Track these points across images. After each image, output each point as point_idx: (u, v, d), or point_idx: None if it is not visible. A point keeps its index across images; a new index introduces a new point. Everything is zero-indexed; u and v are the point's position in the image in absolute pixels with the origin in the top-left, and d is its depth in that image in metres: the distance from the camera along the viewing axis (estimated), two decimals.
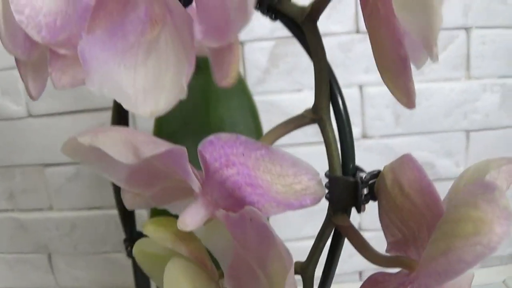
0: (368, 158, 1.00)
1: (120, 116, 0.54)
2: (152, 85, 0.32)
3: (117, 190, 0.53)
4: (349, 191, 0.36)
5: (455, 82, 0.98)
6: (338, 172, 0.37)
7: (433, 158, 1.01)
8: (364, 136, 1.00)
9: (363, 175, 0.37)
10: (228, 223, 0.34)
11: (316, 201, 0.35)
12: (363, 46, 0.94)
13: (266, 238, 0.32)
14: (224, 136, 0.34)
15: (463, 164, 1.03)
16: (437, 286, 0.26)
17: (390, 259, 0.36)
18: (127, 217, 0.65)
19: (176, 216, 0.35)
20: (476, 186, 0.29)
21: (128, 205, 0.42)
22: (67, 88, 0.34)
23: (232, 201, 0.34)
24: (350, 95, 0.97)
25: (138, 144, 0.31)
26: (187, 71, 0.31)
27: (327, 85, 0.37)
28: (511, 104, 1.01)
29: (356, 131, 0.99)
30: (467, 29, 0.97)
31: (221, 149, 0.33)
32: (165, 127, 0.68)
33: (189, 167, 0.33)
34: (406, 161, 0.34)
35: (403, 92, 0.34)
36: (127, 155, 0.31)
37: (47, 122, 0.96)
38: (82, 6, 0.31)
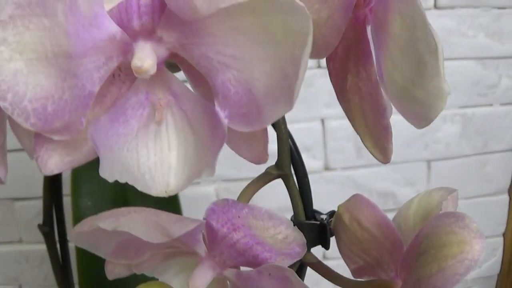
0: (331, 190, 1.02)
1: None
2: (157, 166, 0.33)
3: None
4: (317, 233, 0.41)
5: None
6: (302, 217, 0.42)
7: (395, 188, 1.03)
8: (327, 168, 1.01)
9: (323, 217, 0.43)
10: (240, 280, 0.37)
11: (303, 248, 0.38)
12: (324, 80, 0.95)
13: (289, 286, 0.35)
14: (219, 202, 0.37)
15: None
16: None
17: (368, 283, 0.42)
18: None
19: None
20: (447, 217, 0.35)
21: (110, 275, 0.43)
22: (55, 173, 0.34)
23: (242, 260, 0.37)
24: (312, 128, 0.98)
25: (164, 223, 0.33)
26: (203, 150, 0.33)
27: (288, 149, 0.41)
28: (472, 133, 1.03)
29: (318, 163, 1.01)
30: None
31: (223, 215, 0.36)
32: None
33: (200, 236, 0.36)
34: (359, 200, 0.42)
35: (382, 151, 0.38)
36: (155, 235, 0.32)
37: (16, 157, 0.97)
38: (86, 94, 0.31)
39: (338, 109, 0.38)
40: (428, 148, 1.03)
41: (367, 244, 0.41)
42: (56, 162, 0.34)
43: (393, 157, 0.96)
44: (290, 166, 0.42)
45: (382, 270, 0.42)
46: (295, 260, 0.38)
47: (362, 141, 0.39)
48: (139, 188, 0.33)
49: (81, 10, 0.29)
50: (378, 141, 0.38)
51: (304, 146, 0.99)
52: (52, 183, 0.51)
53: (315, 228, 0.41)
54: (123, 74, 0.33)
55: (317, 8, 0.34)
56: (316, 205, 0.45)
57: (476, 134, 1.05)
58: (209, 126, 0.32)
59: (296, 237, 0.38)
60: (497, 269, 1.18)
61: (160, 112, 0.32)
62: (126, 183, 0.34)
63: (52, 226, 0.50)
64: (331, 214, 0.44)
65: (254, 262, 0.37)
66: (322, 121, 0.98)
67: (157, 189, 0.33)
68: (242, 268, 0.39)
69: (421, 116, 0.32)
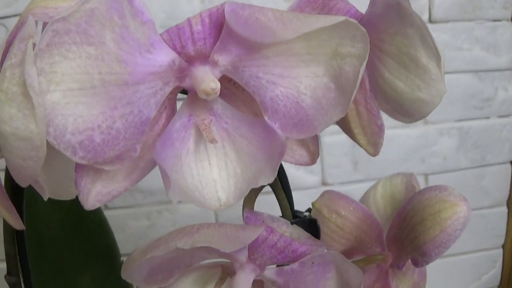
0: None
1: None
2: (202, 183, 0.35)
3: None
4: (310, 227, 0.45)
5: (412, 128, 1.00)
6: (290, 217, 0.46)
7: None
8: (324, 183, 1.02)
9: (306, 214, 0.49)
10: (281, 275, 0.40)
11: (313, 239, 0.42)
12: None
13: (329, 270, 0.41)
14: (248, 211, 0.41)
15: None
16: (438, 256, 0.42)
17: (362, 260, 0.49)
18: None
19: None
20: (431, 190, 0.44)
21: None
22: (97, 207, 0.34)
23: (281, 257, 0.40)
24: None
25: (235, 233, 0.36)
26: (252, 161, 0.34)
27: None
28: (469, 146, 1.04)
29: (316, 179, 1.02)
30: None
31: (257, 221, 0.40)
32: None
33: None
34: (332, 194, 0.51)
35: (374, 147, 0.42)
36: (230, 244, 0.35)
37: None
38: (143, 120, 0.31)
39: (334, 125, 0.41)
40: (425, 162, 1.03)
41: (348, 229, 0.50)
42: (97, 195, 0.34)
43: (391, 171, 0.96)
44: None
45: (367, 248, 0.49)
46: (324, 249, 0.42)
47: (357, 140, 0.42)
48: (197, 205, 0.34)
49: (135, 37, 0.29)
50: (371, 139, 0.42)
51: None
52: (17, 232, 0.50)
53: (306, 223, 0.45)
54: (167, 99, 0.33)
55: None
56: None
57: (473, 147, 1.05)
58: (258, 138, 0.34)
59: (300, 233, 0.42)
60: (497, 281, 1.20)
61: (208, 132, 0.33)
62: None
63: (19, 275, 0.49)
64: (309, 211, 0.51)
65: (293, 256, 0.40)
66: (319, 136, 0.97)
67: (211, 205, 0.34)
68: None
69: (419, 112, 0.37)
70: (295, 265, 0.39)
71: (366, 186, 1.01)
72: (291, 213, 0.46)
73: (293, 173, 0.99)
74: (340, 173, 1.03)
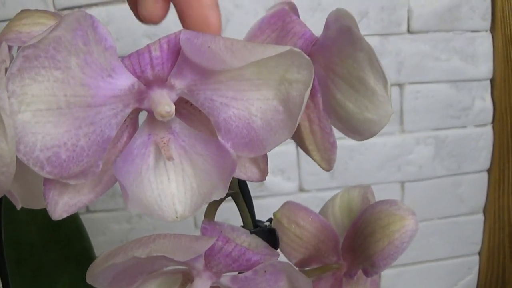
0: None
1: None
2: (161, 196, 0.37)
3: None
4: (266, 237, 0.47)
5: (389, 137, 1.02)
6: (251, 227, 0.49)
7: None
8: (301, 189, 1.04)
9: (266, 224, 0.52)
10: (236, 282, 0.42)
11: (269, 249, 0.45)
12: None
13: (281, 279, 0.43)
14: (205, 221, 0.43)
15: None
16: (386, 267, 0.44)
17: (318, 269, 0.52)
18: None
19: None
20: (382, 204, 0.47)
21: None
22: (63, 217, 0.36)
23: (235, 266, 0.42)
24: (287, 152, 1.02)
25: (189, 243, 0.38)
26: (207, 177, 0.37)
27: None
28: (445, 155, 1.06)
29: (293, 185, 1.03)
30: (400, 85, 1.00)
31: (214, 232, 0.42)
32: None
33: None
34: (292, 205, 0.54)
35: (328, 162, 0.44)
36: (185, 254, 0.37)
37: None
38: (104, 139, 0.33)
39: None
40: (401, 170, 1.05)
41: (306, 239, 0.53)
42: (63, 206, 0.36)
43: (367, 179, 0.98)
44: (238, 185, 0.48)
45: (324, 257, 0.52)
46: (277, 259, 0.44)
47: (311, 156, 0.45)
48: (155, 217, 0.37)
49: (98, 63, 0.31)
50: (325, 155, 0.44)
51: (279, 168, 1.01)
52: None
53: (266, 233, 0.47)
54: (128, 119, 0.36)
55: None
56: None
57: (449, 156, 1.08)
58: (212, 156, 0.36)
59: (258, 242, 0.45)
60: (473, 287, 1.19)
61: (166, 149, 0.35)
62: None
63: None
64: (270, 220, 0.54)
65: (247, 265, 0.42)
66: (296, 144, 0.99)
67: (169, 217, 0.37)
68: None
69: (367, 131, 0.39)
70: (248, 273, 0.42)
71: None
72: (252, 223, 0.49)
73: (271, 179, 1.02)
74: (317, 180, 1.05)
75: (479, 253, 1.20)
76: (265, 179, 0.39)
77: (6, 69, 0.30)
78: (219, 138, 0.36)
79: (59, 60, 0.30)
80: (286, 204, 0.54)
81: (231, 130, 0.35)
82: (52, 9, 0.90)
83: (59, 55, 0.30)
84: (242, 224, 0.49)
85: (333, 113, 0.41)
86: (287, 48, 0.32)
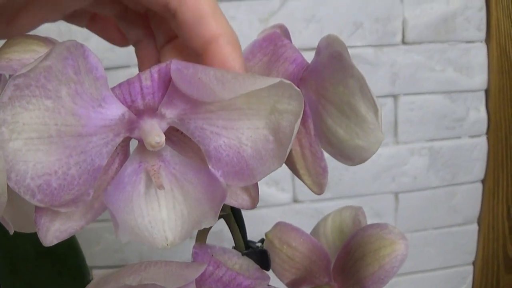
0: (300, 221, 1.02)
1: None
2: (151, 223, 0.37)
3: None
4: (258, 258, 0.48)
5: (383, 148, 1.03)
6: (243, 248, 0.49)
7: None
8: (295, 200, 1.04)
9: (258, 244, 0.53)
10: None
11: (261, 271, 0.46)
12: None
13: None
14: (197, 246, 0.43)
15: (392, 223, 1.06)
16: None
17: None
18: None
19: None
20: (373, 228, 0.47)
21: None
22: (54, 243, 0.36)
23: None
24: None
25: (179, 271, 0.38)
26: (197, 204, 0.37)
27: None
28: (439, 165, 1.06)
29: (287, 196, 1.04)
30: (394, 96, 1.00)
31: (204, 256, 0.42)
32: None
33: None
34: (284, 226, 0.54)
35: (319, 186, 0.44)
36: (175, 282, 0.36)
37: None
38: (95, 168, 0.33)
39: None
40: (395, 181, 1.05)
41: (298, 260, 0.53)
42: (55, 232, 0.36)
43: (361, 190, 0.98)
44: (229, 207, 0.49)
45: (315, 278, 0.52)
46: (268, 282, 0.44)
47: (303, 180, 0.45)
48: (145, 243, 0.37)
49: (89, 93, 0.31)
50: (316, 179, 0.44)
51: (273, 180, 1.01)
52: None
53: (257, 254, 0.49)
54: (119, 147, 0.36)
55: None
56: None
57: (444, 167, 1.08)
58: (203, 184, 0.36)
59: (249, 264, 0.45)
60: None
61: (157, 177, 0.35)
62: None
63: None
64: (262, 241, 0.55)
65: None
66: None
67: (159, 244, 0.37)
68: None
69: (358, 157, 0.39)
70: None
71: (336, 204, 1.04)
72: (244, 244, 0.49)
73: (265, 190, 1.01)
74: (311, 191, 1.03)
75: (473, 263, 1.20)
76: (255, 207, 0.39)
77: None
78: (210, 166, 0.36)
79: (50, 90, 0.30)
80: (278, 224, 0.55)
81: (222, 159, 0.36)
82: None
83: (50, 84, 0.30)
84: (234, 245, 0.50)
85: (324, 138, 0.41)
86: (277, 80, 0.32)
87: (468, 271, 1.20)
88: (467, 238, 1.17)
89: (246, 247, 0.49)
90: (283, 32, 0.44)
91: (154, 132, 0.33)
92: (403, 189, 1.08)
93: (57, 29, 0.90)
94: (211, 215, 0.36)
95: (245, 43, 0.91)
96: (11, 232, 0.39)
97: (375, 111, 0.36)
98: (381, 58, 1.00)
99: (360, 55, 0.99)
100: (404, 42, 1.01)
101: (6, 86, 0.29)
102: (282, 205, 1.04)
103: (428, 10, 1.01)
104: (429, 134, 1.06)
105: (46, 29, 0.86)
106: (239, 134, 0.35)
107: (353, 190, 1.04)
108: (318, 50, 0.40)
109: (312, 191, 0.44)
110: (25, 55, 0.35)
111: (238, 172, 0.36)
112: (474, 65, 1.05)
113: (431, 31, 1.02)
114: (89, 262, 0.81)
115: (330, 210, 1.04)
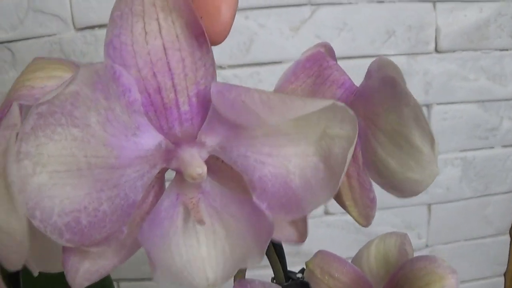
0: (331, 233, 1.01)
1: None
2: (191, 261, 0.33)
3: None
4: None
5: None
6: (283, 280, 0.48)
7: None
8: (327, 212, 1.02)
9: (299, 275, 0.51)
10: None
11: None
12: None
13: None
14: (237, 282, 0.41)
15: (424, 235, 1.05)
16: None
17: None
18: None
19: None
20: (422, 260, 0.45)
21: None
22: (85, 286, 0.33)
23: None
24: None
25: None
26: (241, 240, 0.33)
27: None
28: (472, 176, 1.03)
29: (319, 208, 0.99)
30: (428, 106, 0.98)
31: None
32: None
33: None
34: (326, 255, 0.51)
35: (366, 219, 0.42)
36: None
37: None
38: (129, 203, 0.30)
39: None
40: (428, 192, 1.02)
41: None
42: (84, 274, 0.32)
43: (394, 201, 0.96)
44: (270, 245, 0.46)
45: None
46: None
47: (348, 211, 0.42)
48: (184, 285, 0.33)
49: (121, 120, 0.28)
50: (363, 211, 0.42)
51: None
52: None
53: (298, 286, 0.48)
54: (154, 178, 0.32)
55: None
56: (317, 249, 0.52)
57: (477, 177, 1.04)
58: (246, 217, 0.32)
59: None
60: None
61: (196, 211, 0.32)
62: None
63: None
64: (302, 271, 0.52)
65: None
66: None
67: (199, 284, 0.33)
68: None
69: (410, 191, 0.36)
70: None
71: None
72: (283, 276, 0.47)
73: None
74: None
75: (505, 275, 1.16)
76: (303, 241, 0.36)
77: (17, 134, 0.27)
78: (254, 198, 0.32)
79: (77, 117, 0.27)
80: (319, 253, 0.51)
81: (267, 190, 0.32)
82: (72, 29, 0.88)
83: (77, 111, 0.27)
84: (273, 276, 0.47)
85: (373, 168, 0.38)
86: (329, 102, 0.29)
87: (499, 282, 1.17)
88: (499, 249, 1.14)
89: (286, 279, 0.47)
90: (328, 51, 0.41)
91: (195, 163, 0.30)
92: (435, 200, 1.04)
93: (83, 39, 0.88)
94: (257, 252, 0.33)
95: (275, 52, 0.89)
96: (35, 274, 0.35)
97: (432, 143, 0.33)
98: (414, 67, 0.97)
99: None
100: (437, 50, 0.98)
101: (29, 115, 0.26)
102: (314, 217, 1.01)
103: (461, 18, 0.98)
104: (462, 144, 1.03)
105: (73, 38, 0.84)
106: (286, 162, 0.32)
107: (385, 201, 1.00)
108: (369, 73, 0.37)
109: (358, 223, 0.42)
110: (49, 82, 0.31)
111: (285, 203, 0.32)
112: (508, 74, 1.02)
113: (464, 39, 0.99)
114: (115, 274, 0.79)
115: None
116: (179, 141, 0.31)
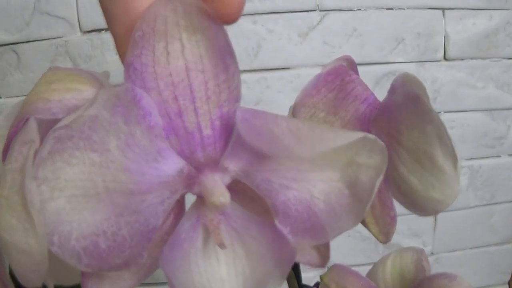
0: (338, 241, 0.98)
1: None
2: (210, 281, 0.32)
3: None
4: None
5: None
6: None
7: (400, 239, 1.02)
8: None
9: None
10: None
11: None
12: None
13: None
14: None
15: (430, 243, 1.04)
16: None
17: None
18: None
19: None
20: (441, 278, 0.45)
21: None
22: None
23: None
24: None
25: None
26: (261, 263, 0.32)
27: None
28: (478, 185, 1.03)
29: None
30: None
31: None
32: None
33: None
34: (341, 269, 0.50)
35: (386, 236, 0.41)
36: None
37: None
38: (149, 229, 0.29)
39: None
40: None
41: None
42: None
43: (400, 209, 0.95)
44: None
45: None
46: None
47: (368, 228, 0.41)
48: None
49: (141, 145, 0.27)
50: (383, 228, 0.41)
51: None
52: None
53: None
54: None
55: (326, 119, 0.39)
56: None
57: (483, 186, 1.04)
58: (267, 240, 0.31)
59: None
60: None
61: (217, 233, 0.30)
62: None
63: None
64: (317, 285, 0.52)
65: None
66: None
67: None
68: None
69: (431, 210, 0.36)
70: None
71: None
72: None
73: None
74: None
75: (509, 283, 1.15)
76: (325, 265, 0.35)
77: (36, 151, 0.26)
78: (276, 222, 0.31)
79: (96, 141, 0.26)
80: (334, 267, 0.51)
81: (290, 214, 0.31)
82: (78, 32, 0.87)
83: (96, 135, 0.26)
84: None
85: (394, 185, 0.37)
86: (360, 135, 0.28)
87: None
88: (504, 257, 1.13)
89: None
90: (350, 65, 0.40)
91: (218, 191, 0.28)
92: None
93: (89, 42, 0.87)
94: (277, 275, 0.32)
95: (283, 58, 0.88)
96: None
97: (454, 161, 0.33)
98: (423, 74, 0.96)
99: (402, 71, 0.94)
100: (445, 58, 0.97)
101: (46, 139, 0.25)
102: None
103: (470, 26, 0.97)
104: (469, 152, 1.02)
105: (79, 41, 0.83)
106: (310, 187, 0.31)
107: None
108: (392, 89, 0.36)
109: (378, 240, 0.41)
110: (66, 95, 0.30)
111: (308, 228, 0.32)
112: None
113: (473, 47, 0.98)
114: None
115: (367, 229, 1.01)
116: (201, 166, 0.29)
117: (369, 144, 0.29)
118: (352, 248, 1.00)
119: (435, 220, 1.04)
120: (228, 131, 0.29)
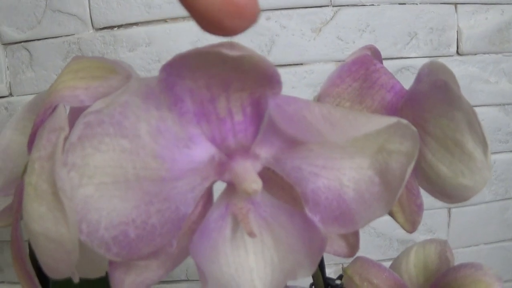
0: None
1: None
2: (238, 271, 0.32)
3: None
4: None
5: None
6: (322, 286, 0.48)
7: (415, 235, 0.99)
8: None
9: (338, 282, 0.50)
10: None
11: None
12: None
13: None
14: None
15: (444, 238, 1.01)
16: None
17: None
18: None
19: None
20: (467, 267, 0.44)
21: None
22: None
23: None
24: None
25: None
26: (290, 252, 0.32)
27: None
28: (492, 179, 1.03)
29: None
30: None
31: None
32: None
33: None
34: (364, 261, 0.50)
35: (412, 225, 0.41)
36: None
37: None
38: (180, 217, 0.28)
39: None
40: None
41: None
42: (130, 285, 0.31)
43: None
44: None
45: None
46: None
47: (394, 217, 0.41)
48: None
49: (173, 131, 0.27)
50: (410, 217, 0.41)
51: None
52: None
53: None
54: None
55: (352, 108, 0.38)
56: None
57: (497, 181, 1.02)
58: (297, 229, 0.31)
59: None
60: None
61: (246, 222, 0.30)
62: None
63: None
64: (340, 277, 0.51)
65: None
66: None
67: None
68: None
69: (460, 197, 0.35)
70: None
71: (389, 219, 0.97)
72: (322, 282, 0.47)
73: None
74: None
75: None
76: (354, 255, 0.35)
77: (65, 138, 0.26)
78: (306, 210, 0.31)
79: (127, 127, 0.26)
80: (358, 260, 0.50)
81: (320, 202, 0.31)
82: (91, 29, 0.86)
83: (127, 121, 0.26)
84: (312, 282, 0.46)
85: (421, 173, 0.37)
86: (393, 120, 0.28)
87: None
88: None
89: (325, 285, 0.45)
90: (374, 54, 0.39)
91: (250, 177, 0.28)
92: (456, 204, 1.03)
93: (102, 39, 0.87)
94: (307, 264, 0.31)
95: (297, 53, 0.88)
96: (76, 280, 0.34)
97: (485, 148, 0.32)
98: None
99: (415, 66, 0.94)
100: (458, 53, 0.96)
101: (75, 125, 0.25)
102: None
103: (483, 21, 0.96)
104: None
105: (91, 38, 0.83)
106: (340, 175, 0.31)
107: None
108: (419, 77, 0.35)
109: (404, 229, 0.40)
110: (93, 83, 0.30)
111: (338, 217, 0.31)
112: None
113: (485, 42, 0.97)
114: None
115: (382, 225, 1.00)
116: (233, 153, 0.29)
117: (402, 129, 0.29)
118: (367, 244, 0.99)
119: (449, 215, 1.04)
120: (259, 117, 0.29)
